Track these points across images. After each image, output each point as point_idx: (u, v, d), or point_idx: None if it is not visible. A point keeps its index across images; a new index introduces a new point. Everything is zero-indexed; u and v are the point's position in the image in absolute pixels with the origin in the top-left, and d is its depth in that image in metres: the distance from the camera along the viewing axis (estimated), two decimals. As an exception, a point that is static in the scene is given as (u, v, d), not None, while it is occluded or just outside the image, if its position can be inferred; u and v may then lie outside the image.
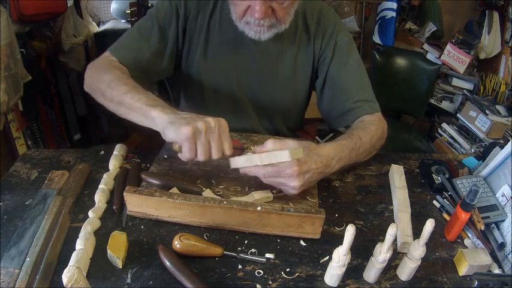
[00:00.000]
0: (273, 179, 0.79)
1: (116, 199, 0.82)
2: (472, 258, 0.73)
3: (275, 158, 0.76)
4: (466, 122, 2.28)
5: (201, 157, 0.75)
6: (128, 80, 0.89)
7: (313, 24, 1.07)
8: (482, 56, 2.56)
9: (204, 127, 0.73)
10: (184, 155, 0.75)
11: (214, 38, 1.06)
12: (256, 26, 0.93)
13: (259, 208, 0.74)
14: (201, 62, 1.07)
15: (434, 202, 0.92)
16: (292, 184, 0.78)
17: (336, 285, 0.69)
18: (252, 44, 1.03)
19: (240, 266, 0.71)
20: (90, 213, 0.78)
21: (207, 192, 0.82)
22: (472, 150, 2.17)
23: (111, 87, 0.87)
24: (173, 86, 1.41)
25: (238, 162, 0.80)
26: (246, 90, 1.11)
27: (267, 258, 0.73)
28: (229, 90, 1.11)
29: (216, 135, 0.75)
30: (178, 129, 0.73)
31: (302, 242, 0.77)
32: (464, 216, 0.77)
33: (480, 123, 2.19)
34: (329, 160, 0.84)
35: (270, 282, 0.69)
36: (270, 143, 0.79)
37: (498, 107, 2.24)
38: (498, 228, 0.81)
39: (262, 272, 0.70)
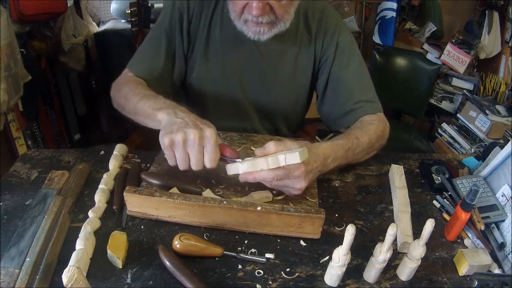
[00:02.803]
0: (279, 182, 0.78)
1: (116, 199, 0.82)
2: (472, 258, 0.73)
3: (283, 161, 0.75)
4: (466, 122, 2.28)
5: (180, 166, 0.76)
6: (140, 89, 0.93)
7: (315, 24, 1.07)
8: (482, 56, 2.56)
9: (182, 140, 0.73)
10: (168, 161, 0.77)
11: (215, 38, 1.06)
12: (255, 25, 0.93)
13: (259, 208, 0.74)
14: (202, 62, 1.07)
15: (434, 202, 0.92)
16: (299, 185, 0.78)
17: (336, 285, 0.69)
18: (253, 44, 1.03)
19: (240, 266, 0.71)
20: (90, 213, 0.78)
21: (207, 192, 0.82)
22: (472, 150, 2.17)
23: (127, 100, 0.92)
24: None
25: (240, 167, 0.78)
26: (246, 90, 1.11)
27: (267, 258, 0.73)
28: (230, 90, 1.10)
29: (195, 148, 0.74)
30: (160, 137, 0.75)
31: (302, 242, 0.77)
32: (464, 216, 0.77)
33: (480, 123, 2.19)
34: (325, 159, 0.84)
35: (270, 282, 0.69)
36: (272, 145, 0.78)
37: (498, 107, 2.24)
38: (498, 228, 0.81)
39: (262, 272, 0.70)
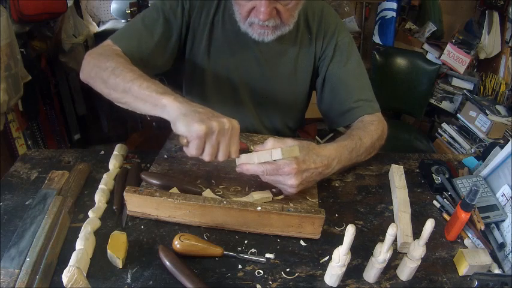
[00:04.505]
0: (271, 177, 0.79)
1: (116, 199, 0.82)
2: (472, 258, 0.73)
3: (269, 156, 0.77)
4: (466, 122, 2.28)
5: (206, 157, 0.74)
6: (133, 67, 0.86)
7: (315, 24, 1.08)
8: (482, 56, 2.56)
9: (218, 128, 0.71)
10: (190, 152, 0.73)
11: (217, 36, 1.06)
12: (260, 28, 0.94)
13: (259, 208, 0.74)
14: (204, 60, 1.08)
15: (434, 202, 0.92)
16: (290, 182, 0.78)
17: (336, 285, 0.69)
18: (254, 43, 1.03)
19: (240, 266, 0.71)
20: (90, 213, 0.78)
21: (207, 192, 0.82)
22: (472, 150, 2.17)
23: (115, 74, 0.83)
24: (172, 83, 1.41)
25: (240, 160, 0.81)
26: (247, 89, 1.12)
27: (267, 258, 0.73)
28: (231, 89, 1.11)
29: (227, 138, 0.73)
30: (191, 125, 0.70)
31: (302, 242, 0.77)
32: (464, 216, 0.77)
33: (480, 123, 2.19)
34: (330, 161, 0.84)
35: (270, 282, 0.69)
36: (271, 142, 0.80)
37: (498, 107, 2.24)
38: (498, 228, 0.81)
39: (262, 272, 0.70)
